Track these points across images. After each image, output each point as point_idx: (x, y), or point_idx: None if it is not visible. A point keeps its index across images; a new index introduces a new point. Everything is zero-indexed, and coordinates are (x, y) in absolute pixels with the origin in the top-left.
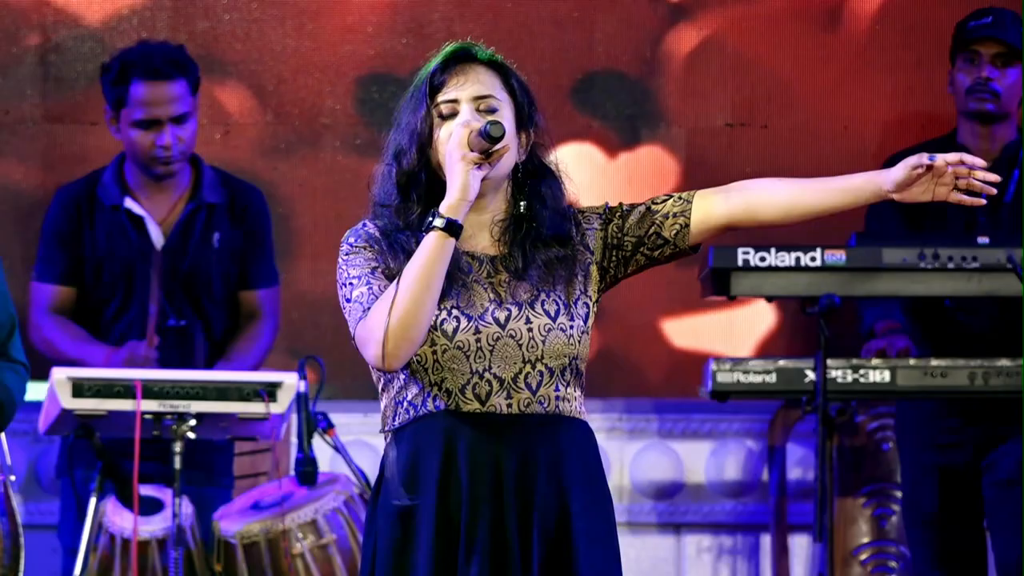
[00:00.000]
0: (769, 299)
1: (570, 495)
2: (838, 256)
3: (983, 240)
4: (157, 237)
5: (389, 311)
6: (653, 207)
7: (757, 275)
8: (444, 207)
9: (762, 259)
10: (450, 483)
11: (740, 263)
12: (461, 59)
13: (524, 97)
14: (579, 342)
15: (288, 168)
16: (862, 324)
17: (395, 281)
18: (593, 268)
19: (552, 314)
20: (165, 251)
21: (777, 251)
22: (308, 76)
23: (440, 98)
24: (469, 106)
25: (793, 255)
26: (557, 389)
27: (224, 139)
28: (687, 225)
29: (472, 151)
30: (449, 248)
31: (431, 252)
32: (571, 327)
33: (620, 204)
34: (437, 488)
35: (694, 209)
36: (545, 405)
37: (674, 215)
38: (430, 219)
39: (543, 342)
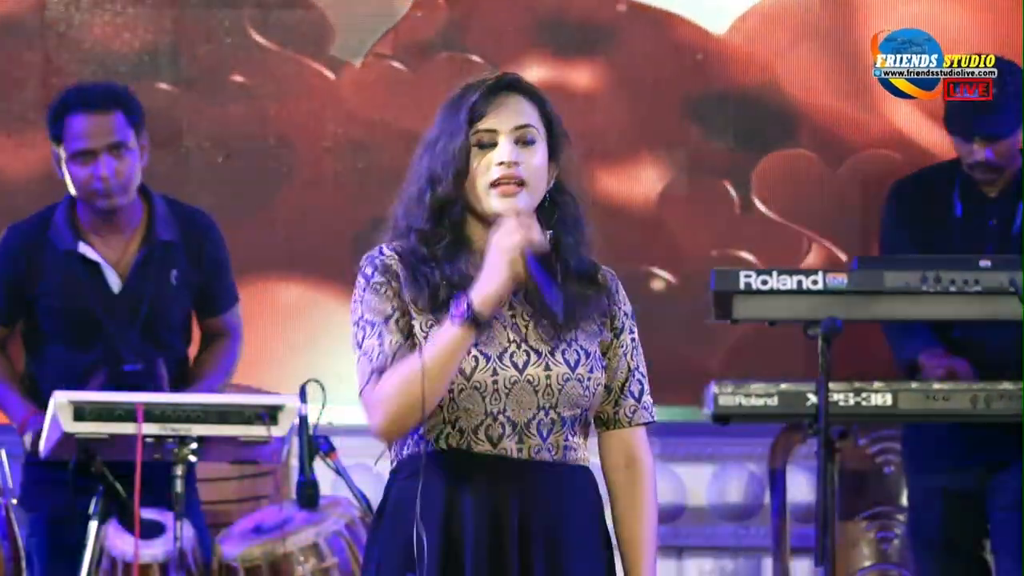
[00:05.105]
0: (771, 323)
1: (569, 542)
2: (840, 279)
3: (985, 263)
4: (114, 282)
5: (398, 390)
6: (615, 378)
7: (759, 298)
8: (477, 299)
9: (764, 282)
10: (453, 522)
11: (742, 286)
12: (503, 88)
13: (558, 128)
14: (594, 394)
15: (290, 191)
16: (901, 353)
17: (408, 355)
18: (607, 340)
19: (572, 364)
20: (122, 295)
21: (779, 274)
22: (310, 100)
23: (480, 126)
24: (508, 137)
25: (795, 278)
26: (567, 438)
27: (226, 162)
28: (596, 414)
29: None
30: (471, 339)
31: (452, 344)
32: (588, 379)
33: (631, 326)
34: (440, 525)
35: (602, 433)
36: (553, 452)
37: (604, 402)
38: (462, 307)
39: (560, 391)
